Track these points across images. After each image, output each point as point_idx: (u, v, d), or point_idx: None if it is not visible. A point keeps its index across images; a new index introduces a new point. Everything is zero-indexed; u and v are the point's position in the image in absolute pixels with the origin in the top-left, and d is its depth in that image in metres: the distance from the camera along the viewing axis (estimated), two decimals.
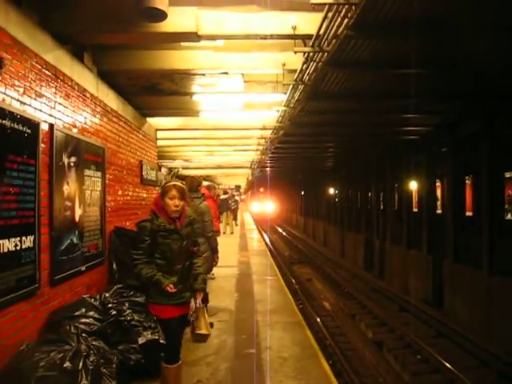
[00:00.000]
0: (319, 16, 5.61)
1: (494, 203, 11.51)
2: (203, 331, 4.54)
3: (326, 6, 5.20)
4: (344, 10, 5.14)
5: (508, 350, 9.73)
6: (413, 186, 17.11)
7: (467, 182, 13.84)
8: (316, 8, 5.30)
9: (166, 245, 4.33)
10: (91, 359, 4.33)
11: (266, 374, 5.49)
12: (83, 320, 5.09)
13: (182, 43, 7.34)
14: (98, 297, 5.70)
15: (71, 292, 5.96)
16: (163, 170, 23.89)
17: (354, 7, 5.02)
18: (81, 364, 4.16)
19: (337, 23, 5.48)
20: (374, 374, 10.24)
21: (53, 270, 5.42)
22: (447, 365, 9.74)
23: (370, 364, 10.82)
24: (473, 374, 9.47)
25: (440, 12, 5.72)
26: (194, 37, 6.27)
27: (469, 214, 13.69)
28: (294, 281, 19.26)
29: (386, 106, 10.98)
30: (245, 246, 18.45)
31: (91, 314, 5.26)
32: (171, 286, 4.25)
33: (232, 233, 22.39)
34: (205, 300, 7.14)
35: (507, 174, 12.12)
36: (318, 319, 13.68)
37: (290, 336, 6.96)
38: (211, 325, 7.15)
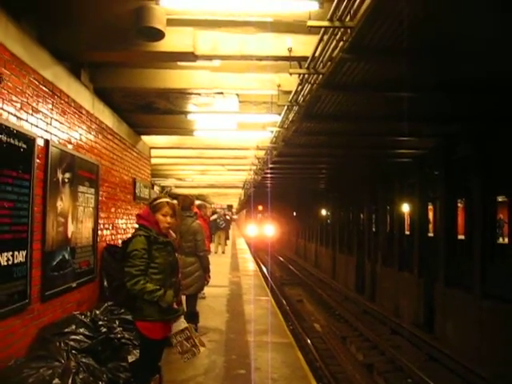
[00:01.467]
0: (315, 38, 5.69)
1: (486, 227, 11.55)
2: (202, 348, 4.45)
3: (322, 29, 5.27)
4: (340, 33, 5.21)
5: (498, 373, 9.70)
6: (405, 208, 17.17)
7: (459, 205, 13.90)
8: (312, 31, 5.37)
9: (162, 257, 4.29)
10: (81, 376, 4.30)
11: None
12: (73, 337, 5.06)
13: (179, 63, 7.41)
14: (88, 314, 5.68)
15: (62, 308, 5.92)
16: (156, 188, 23.88)
17: (349, 31, 5.09)
18: (70, 381, 4.14)
19: (332, 46, 5.55)
20: None
21: (44, 285, 5.39)
22: None
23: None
24: None
25: (432, 37, 5.81)
26: (190, 57, 6.35)
27: (461, 237, 13.75)
28: (284, 302, 19.19)
29: (379, 129, 11.07)
30: (236, 266, 18.37)
31: (81, 330, 5.23)
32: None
33: (223, 252, 22.31)
34: (195, 319, 7.16)
35: (499, 198, 12.20)
36: (309, 341, 13.60)
37: (281, 357, 6.91)
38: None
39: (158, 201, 4.51)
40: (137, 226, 4.53)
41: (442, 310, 13.07)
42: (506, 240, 12.68)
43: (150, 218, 4.43)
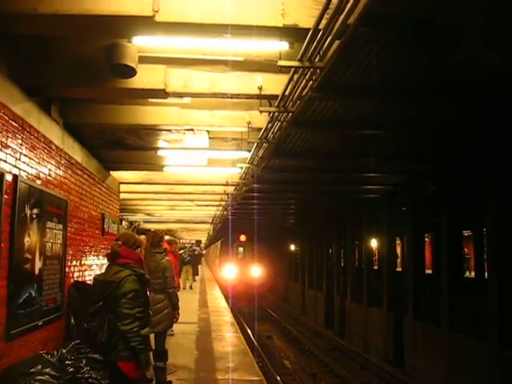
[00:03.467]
0: (285, 77, 5.82)
1: (453, 261, 11.73)
2: None
3: (292, 69, 5.39)
4: (309, 73, 5.33)
5: None
6: (373, 243, 17.33)
7: (426, 239, 14.10)
8: (282, 70, 5.49)
9: (145, 295, 4.28)
10: None
11: None
12: (39, 377, 4.90)
13: (150, 99, 7.46)
14: (54, 353, 5.52)
15: (27, 347, 5.76)
16: (124, 223, 23.63)
17: (318, 71, 5.22)
18: None
19: (302, 85, 5.67)
20: None
21: (9, 324, 5.24)
22: None
23: None
24: None
25: (398, 79, 6.01)
26: (162, 93, 6.41)
27: (428, 271, 13.92)
28: (253, 338, 18.99)
29: (347, 165, 11.25)
30: (205, 302, 18.18)
31: (47, 370, 5.07)
32: None
33: (191, 288, 22.05)
34: (164, 357, 7.04)
35: (465, 233, 12.43)
36: (279, 378, 13.46)
37: None
38: (170, 383, 7.02)
39: (135, 238, 4.52)
40: (117, 263, 4.47)
41: (411, 344, 13.12)
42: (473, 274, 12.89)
43: (133, 257, 4.40)
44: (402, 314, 13.88)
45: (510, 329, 9.17)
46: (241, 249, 34.27)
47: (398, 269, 15.99)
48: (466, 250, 15.21)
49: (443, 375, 11.25)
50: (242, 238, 33.06)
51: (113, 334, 4.18)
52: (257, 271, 31.80)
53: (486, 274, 10.76)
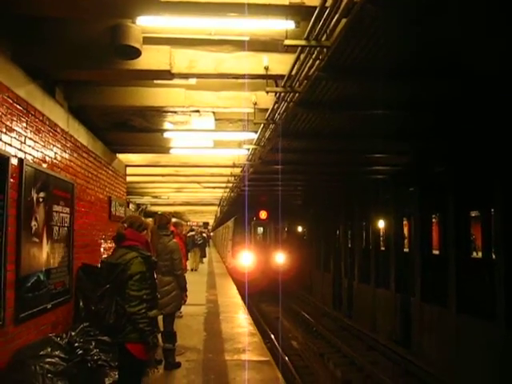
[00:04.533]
0: (291, 57, 5.74)
1: (461, 242, 11.69)
2: None
3: (299, 48, 5.32)
4: (316, 52, 5.25)
5: None
6: (381, 224, 17.29)
7: (434, 220, 14.04)
8: (288, 49, 5.42)
9: (152, 278, 4.30)
10: None
11: None
12: (49, 360, 4.95)
13: (155, 81, 7.40)
14: (64, 336, 5.57)
15: (36, 330, 5.79)
16: (131, 206, 23.70)
17: (325, 50, 5.14)
18: None
19: (308, 65, 5.59)
20: None
21: (18, 307, 5.27)
22: None
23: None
24: None
25: (406, 57, 5.91)
26: (167, 75, 6.35)
27: (435, 252, 13.88)
28: (261, 319, 19.06)
29: (354, 146, 11.17)
30: (213, 284, 18.27)
31: (57, 353, 5.12)
32: None
33: (197, 270, 22.14)
34: (173, 339, 7.08)
35: (472, 213, 12.37)
36: (287, 358, 13.52)
37: (260, 375, 6.87)
38: (179, 364, 7.07)
39: (143, 220, 4.55)
40: (123, 246, 4.48)
41: (419, 325, 13.14)
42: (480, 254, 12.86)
43: (140, 239, 4.42)
44: (409, 294, 13.88)
45: None
46: (260, 229, 27.19)
47: (406, 249, 15.95)
48: (473, 230, 15.20)
49: (450, 356, 11.27)
50: (263, 214, 25.61)
51: (121, 316, 4.19)
52: (282, 258, 24.98)
53: (494, 254, 10.73)
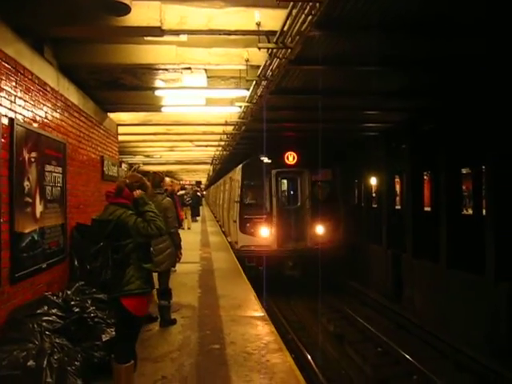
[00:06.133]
0: (283, 13, 5.64)
1: (452, 199, 11.78)
2: None
3: (291, 3, 5.23)
4: (308, 8, 5.16)
5: (466, 340, 10.02)
6: (372, 181, 17.33)
7: (425, 177, 14.10)
8: (280, 5, 5.33)
9: None
10: (55, 357, 4.29)
11: (230, 369, 5.50)
12: (46, 318, 5.02)
13: (145, 37, 7.27)
14: (60, 294, 5.63)
15: (32, 290, 5.85)
16: (124, 165, 23.61)
17: (318, 4, 5.05)
18: (45, 362, 4.12)
19: (301, 20, 5.50)
20: (336, 368, 10.37)
21: (13, 267, 5.31)
22: (407, 356, 9.95)
23: (331, 357, 10.96)
24: (432, 365, 9.68)
25: (402, 10, 5.83)
26: (157, 31, 6.24)
27: (427, 209, 13.99)
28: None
29: (346, 103, 11.11)
30: (206, 242, 18.41)
31: (54, 311, 5.19)
32: None
33: (189, 228, 22.23)
34: (168, 296, 7.17)
35: (463, 170, 12.42)
36: (280, 314, 13.75)
37: (254, 331, 7.00)
38: (175, 321, 7.18)
39: (141, 180, 4.67)
40: (114, 203, 4.52)
41: (410, 281, 13.35)
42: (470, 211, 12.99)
43: (130, 197, 4.48)
44: (401, 250, 14.04)
45: (506, 263, 9.33)
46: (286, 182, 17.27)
47: (398, 206, 16.05)
48: (464, 187, 15.32)
49: (441, 309, 11.50)
50: (291, 158, 16.41)
51: (117, 272, 4.24)
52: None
53: (484, 211, 10.83)
